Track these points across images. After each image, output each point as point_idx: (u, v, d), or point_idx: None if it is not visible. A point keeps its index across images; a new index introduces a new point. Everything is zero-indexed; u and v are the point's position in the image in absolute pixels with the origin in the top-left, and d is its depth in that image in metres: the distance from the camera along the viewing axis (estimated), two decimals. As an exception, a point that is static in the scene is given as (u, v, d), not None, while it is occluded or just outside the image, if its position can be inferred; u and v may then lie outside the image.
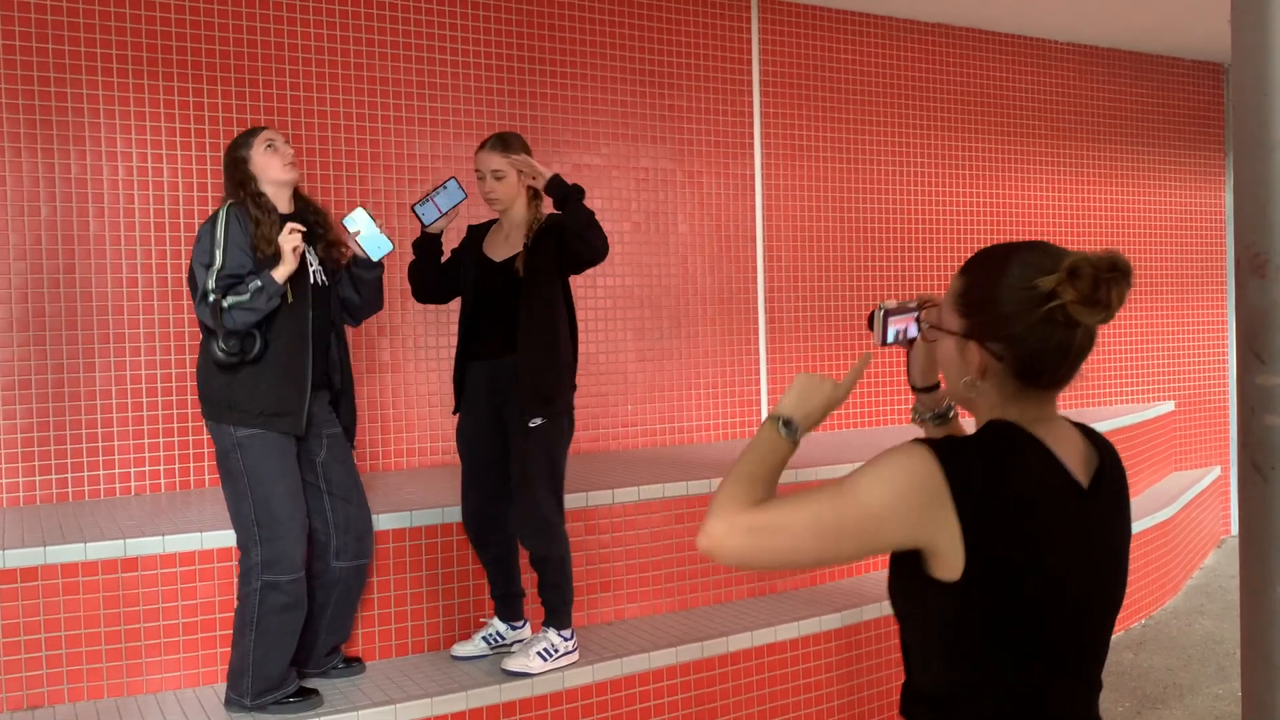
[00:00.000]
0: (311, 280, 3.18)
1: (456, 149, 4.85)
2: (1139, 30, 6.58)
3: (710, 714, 3.69)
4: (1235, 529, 6.94)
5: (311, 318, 3.14)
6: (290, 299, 3.05)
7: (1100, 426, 4.95)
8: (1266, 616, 1.40)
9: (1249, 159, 1.45)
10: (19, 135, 4.05)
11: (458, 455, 3.52)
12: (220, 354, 2.99)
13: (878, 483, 1.31)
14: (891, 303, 1.63)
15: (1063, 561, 1.33)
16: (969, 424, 1.50)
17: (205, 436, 4.25)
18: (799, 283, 5.78)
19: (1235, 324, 1.46)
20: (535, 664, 3.35)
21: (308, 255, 3.18)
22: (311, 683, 3.27)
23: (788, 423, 1.46)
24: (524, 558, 3.55)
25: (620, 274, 5.23)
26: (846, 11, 5.92)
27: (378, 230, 3.22)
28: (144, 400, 4.22)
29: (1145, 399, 7.07)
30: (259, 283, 2.96)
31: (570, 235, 3.27)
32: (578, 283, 4.37)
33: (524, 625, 3.58)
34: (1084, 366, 1.39)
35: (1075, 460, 1.39)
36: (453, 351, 3.50)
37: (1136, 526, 5.28)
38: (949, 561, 1.30)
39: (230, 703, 3.12)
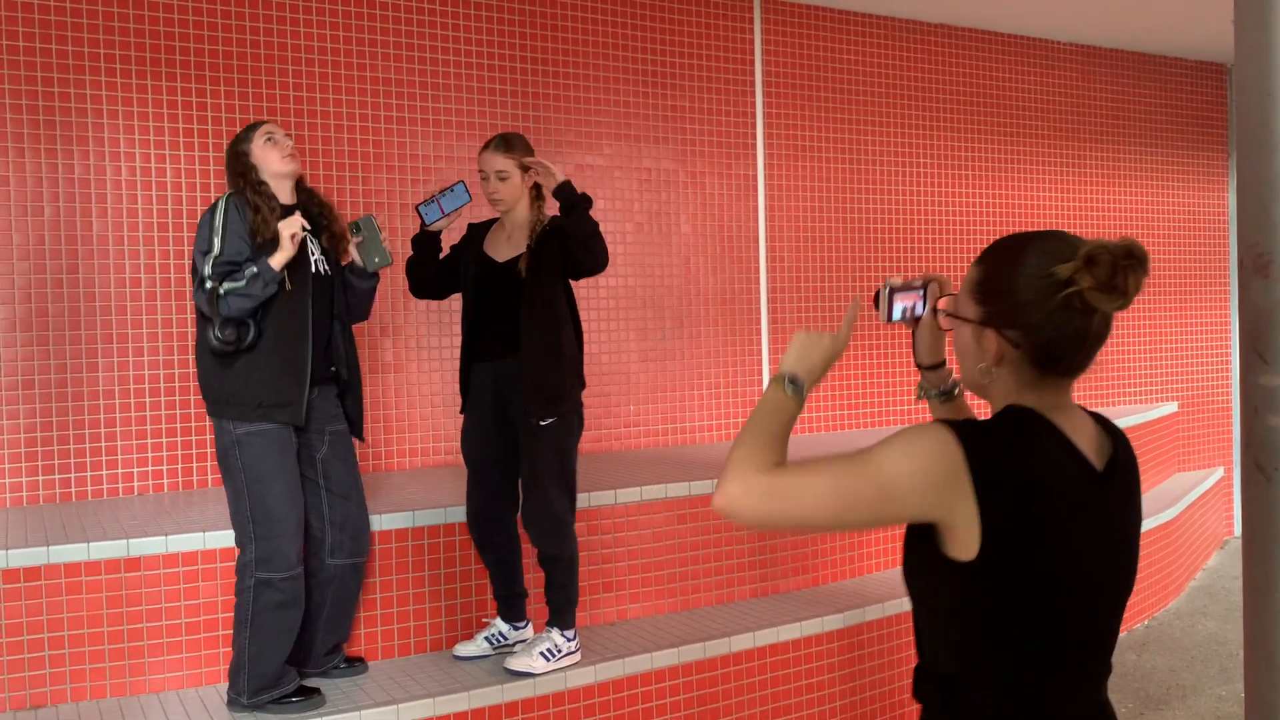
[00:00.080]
0: (313, 270, 3.18)
1: (459, 149, 4.85)
2: (1141, 30, 6.58)
3: (712, 714, 3.69)
4: (1238, 530, 6.93)
5: (312, 307, 3.14)
6: (288, 286, 3.05)
7: (1103, 427, 4.94)
8: (1269, 617, 1.40)
9: (1252, 159, 1.44)
10: (22, 135, 4.06)
11: (461, 456, 3.52)
12: (215, 342, 3.00)
13: (899, 455, 1.32)
14: (897, 280, 1.65)
15: (1077, 546, 1.35)
16: (975, 405, 1.51)
17: (208, 436, 4.27)
18: (802, 283, 5.78)
19: (1238, 324, 1.46)
20: (538, 664, 3.35)
21: (309, 244, 3.19)
22: (313, 682, 3.27)
23: (793, 380, 1.48)
24: (528, 557, 3.55)
25: (623, 274, 5.23)
26: (849, 12, 5.92)
27: (380, 243, 3.23)
28: (147, 400, 4.22)
29: (1148, 400, 7.06)
30: (255, 269, 2.96)
31: (574, 244, 3.27)
32: (581, 282, 4.37)
33: (527, 625, 3.59)
34: (1099, 356, 1.41)
35: (1090, 447, 1.40)
36: (455, 352, 3.52)
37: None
38: (964, 541, 1.32)
39: (231, 702, 3.13)
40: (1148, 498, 6.08)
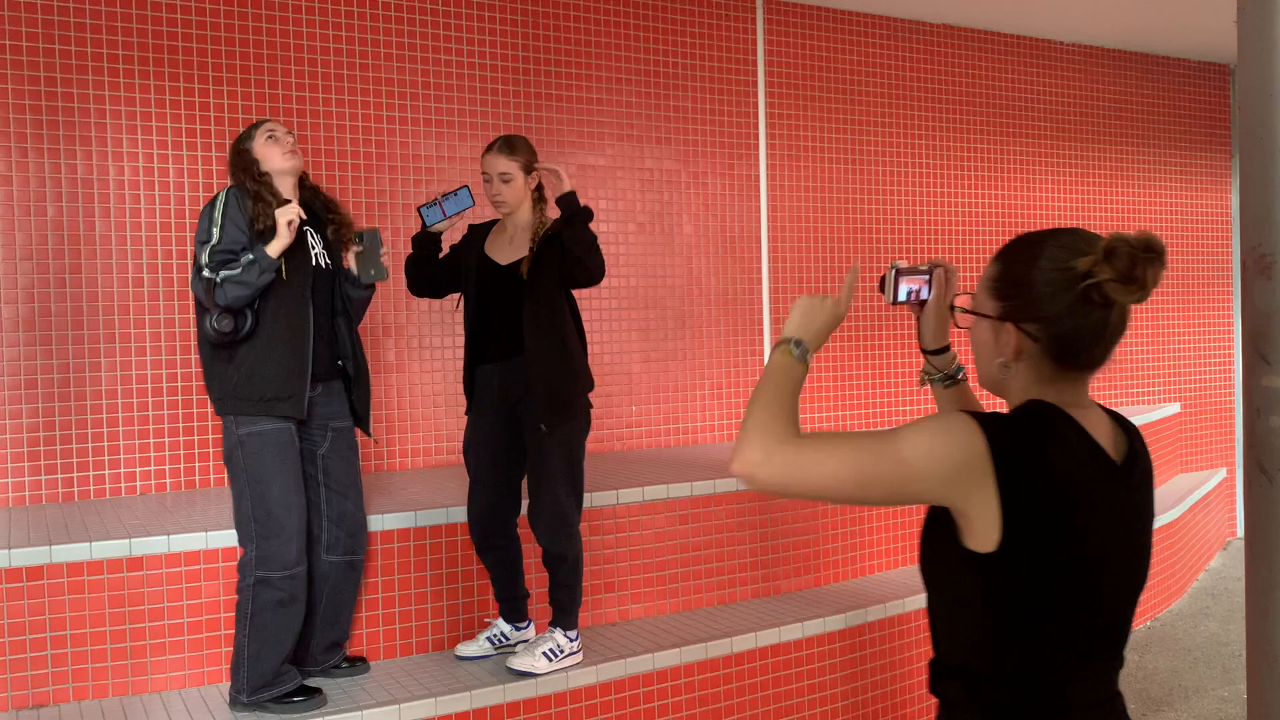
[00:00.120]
0: (314, 263, 3.19)
1: (461, 149, 4.86)
2: (1144, 31, 6.57)
3: (714, 715, 3.69)
4: (1241, 531, 6.92)
5: (313, 300, 3.15)
6: (284, 274, 3.06)
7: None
8: (1272, 619, 1.40)
9: (1254, 160, 1.44)
10: (26, 135, 4.07)
11: (462, 458, 3.52)
12: (211, 332, 3.01)
13: (922, 437, 1.33)
14: (903, 263, 1.67)
15: (1098, 538, 1.36)
16: (979, 393, 1.51)
17: (210, 436, 4.28)
18: (804, 283, 5.78)
19: (1241, 325, 1.46)
20: (540, 664, 3.35)
21: (311, 238, 3.20)
22: (315, 682, 3.27)
23: (799, 344, 1.50)
24: (528, 559, 3.55)
25: (625, 274, 5.23)
26: (851, 12, 5.91)
27: (379, 258, 3.24)
28: (149, 400, 4.23)
29: (1151, 401, 7.05)
30: (251, 256, 2.98)
31: (569, 259, 3.27)
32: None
33: (528, 626, 3.58)
34: (1115, 352, 1.42)
35: (1108, 441, 1.42)
36: (458, 351, 3.51)
37: (1142, 528, 5.26)
38: (983, 533, 1.32)
39: (232, 700, 3.13)
40: (1150, 499, 6.07)
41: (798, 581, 4.38)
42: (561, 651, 3.39)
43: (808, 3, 5.76)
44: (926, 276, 1.65)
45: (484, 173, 3.40)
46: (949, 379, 1.70)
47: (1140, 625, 5.47)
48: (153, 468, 4.22)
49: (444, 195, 3.38)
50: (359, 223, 3.50)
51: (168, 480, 4.25)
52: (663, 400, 5.35)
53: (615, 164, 5.24)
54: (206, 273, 2.98)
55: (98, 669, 3.24)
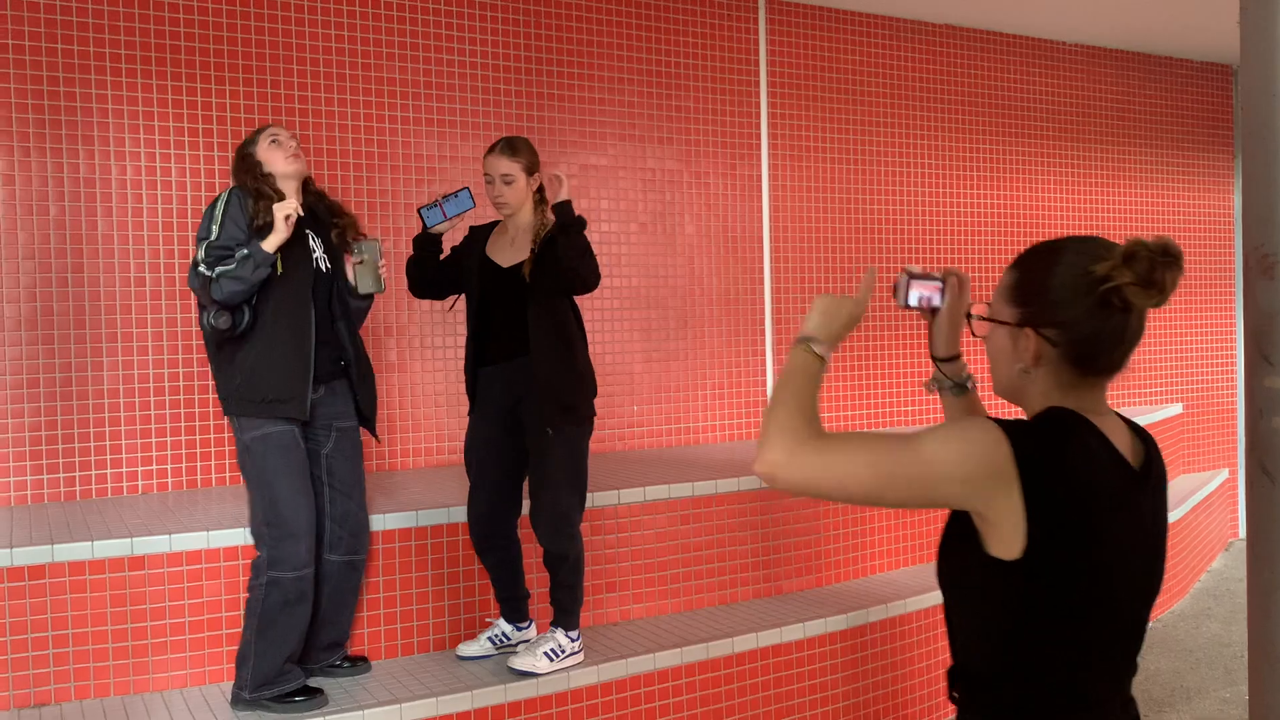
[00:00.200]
0: (315, 266, 3.20)
1: (463, 149, 4.86)
2: (1146, 32, 6.57)
3: (715, 715, 3.69)
4: (1243, 532, 6.91)
5: (314, 301, 3.17)
6: (279, 269, 3.07)
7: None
8: (1274, 619, 1.40)
9: (1257, 161, 1.44)
10: (28, 135, 4.07)
11: (463, 459, 3.51)
12: (209, 327, 3.06)
13: (947, 441, 1.34)
14: (916, 268, 1.67)
15: (1119, 544, 1.37)
16: (990, 402, 1.51)
17: (212, 436, 4.29)
18: (806, 284, 5.77)
19: (1243, 326, 1.46)
20: (542, 664, 3.35)
21: (312, 240, 3.21)
22: (317, 681, 3.27)
23: (818, 342, 1.51)
24: (529, 559, 3.55)
25: (627, 274, 5.23)
26: (854, 12, 5.91)
27: (377, 270, 3.25)
28: (151, 399, 4.23)
29: (1153, 401, 7.05)
30: (246, 250, 2.99)
31: (561, 268, 3.27)
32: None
33: (530, 626, 3.58)
34: (1131, 359, 1.43)
35: (1126, 448, 1.42)
36: (459, 352, 3.51)
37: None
38: (1006, 539, 1.33)
39: (234, 697, 3.14)
40: (1152, 499, 6.06)
41: (799, 582, 4.38)
42: (563, 651, 3.39)
43: (810, 3, 5.76)
44: (939, 284, 1.66)
45: (486, 174, 3.40)
46: (959, 387, 1.70)
47: (1142, 626, 5.46)
48: (154, 467, 4.23)
49: (445, 196, 3.38)
50: (363, 225, 3.50)
51: (169, 479, 4.25)
52: (664, 400, 5.35)
53: (617, 164, 5.24)
54: (203, 268, 3.00)
55: (99, 668, 3.24)
